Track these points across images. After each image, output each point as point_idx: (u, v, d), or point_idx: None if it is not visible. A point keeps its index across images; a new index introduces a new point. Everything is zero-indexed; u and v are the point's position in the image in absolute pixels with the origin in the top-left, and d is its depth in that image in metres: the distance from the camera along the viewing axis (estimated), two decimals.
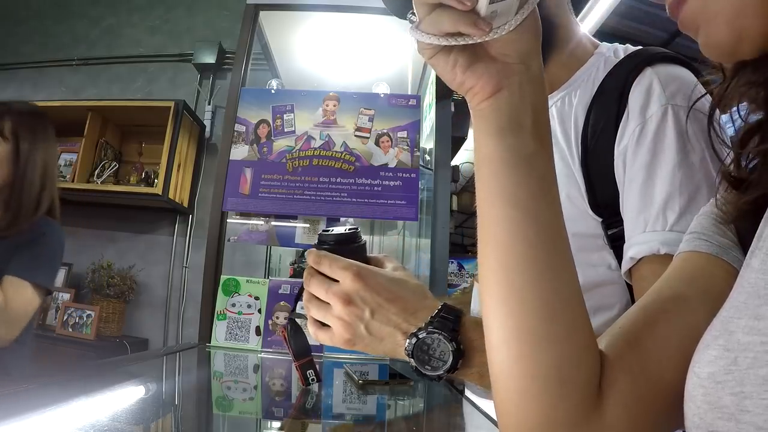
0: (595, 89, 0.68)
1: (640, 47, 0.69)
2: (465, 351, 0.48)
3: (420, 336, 0.47)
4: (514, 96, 0.33)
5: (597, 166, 0.65)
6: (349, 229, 0.56)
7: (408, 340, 0.48)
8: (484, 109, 0.33)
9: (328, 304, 0.52)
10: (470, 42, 0.31)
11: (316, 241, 0.56)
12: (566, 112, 0.70)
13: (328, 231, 0.56)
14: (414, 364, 0.48)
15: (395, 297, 0.50)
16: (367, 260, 0.55)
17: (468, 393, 0.88)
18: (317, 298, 0.53)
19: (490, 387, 0.48)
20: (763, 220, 0.31)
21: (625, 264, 0.59)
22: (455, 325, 0.48)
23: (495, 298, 0.35)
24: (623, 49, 0.72)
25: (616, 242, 0.63)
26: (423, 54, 0.33)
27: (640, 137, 0.60)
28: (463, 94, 0.34)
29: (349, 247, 0.54)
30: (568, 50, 0.74)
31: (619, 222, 0.63)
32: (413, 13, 0.32)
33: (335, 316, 0.51)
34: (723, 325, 0.28)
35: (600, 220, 0.65)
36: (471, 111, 0.35)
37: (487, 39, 0.31)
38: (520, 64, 0.32)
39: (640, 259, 0.57)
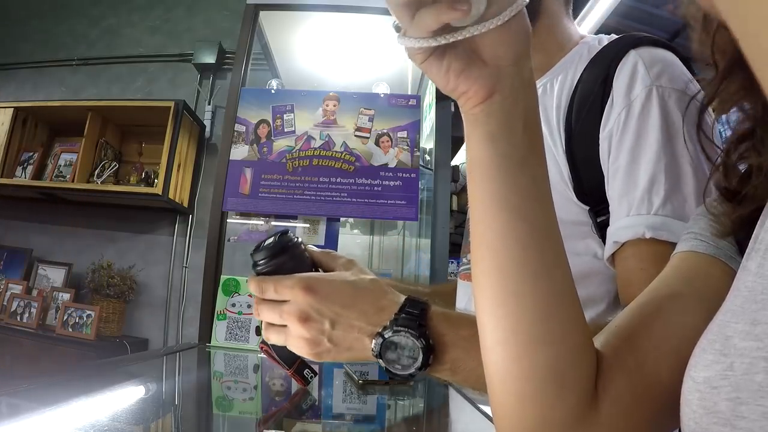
0: (578, 75, 0.67)
1: (623, 35, 0.69)
2: (435, 346, 0.46)
3: (386, 336, 0.45)
4: (507, 100, 0.32)
5: (582, 152, 0.64)
6: (277, 234, 0.51)
7: (374, 341, 0.46)
8: (476, 114, 0.33)
9: (286, 325, 0.49)
10: (459, 38, 0.30)
11: (252, 264, 0.51)
12: (548, 98, 0.70)
13: (257, 248, 0.51)
14: (383, 365, 0.46)
15: (353, 301, 0.47)
16: (310, 261, 0.51)
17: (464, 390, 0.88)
18: (274, 324, 0.50)
19: (463, 383, 0.48)
20: (759, 222, 0.31)
21: (609, 248, 0.58)
22: (422, 320, 0.46)
23: (490, 300, 0.34)
24: (607, 38, 0.71)
25: (605, 229, 0.62)
26: (415, 60, 0.33)
27: (626, 120, 0.59)
28: (456, 98, 0.34)
29: (286, 255, 0.49)
30: (553, 38, 0.74)
31: (607, 209, 0.61)
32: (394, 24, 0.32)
33: (295, 336, 0.48)
34: (720, 329, 0.28)
35: (587, 208, 0.64)
36: (463, 115, 0.34)
37: (475, 33, 0.30)
38: (512, 66, 0.32)
39: (624, 243, 0.56)
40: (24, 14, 2.92)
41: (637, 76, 0.60)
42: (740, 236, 0.36)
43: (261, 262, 0.50)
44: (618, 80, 0.61)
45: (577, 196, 0.64)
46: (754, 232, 0.31)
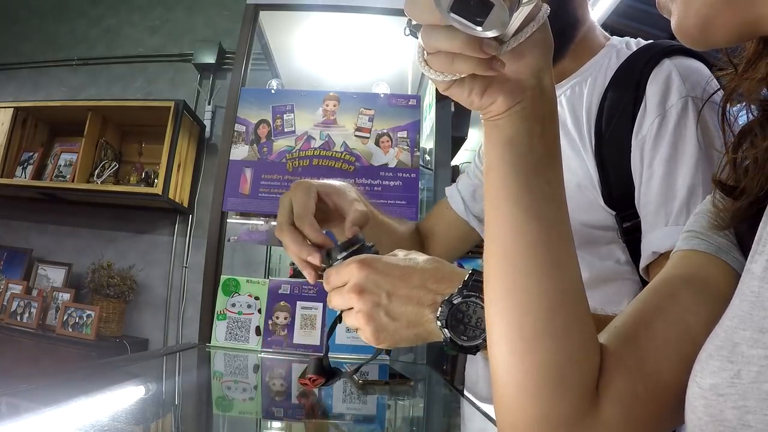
0: (608, 79, 0.67)
1: (653, 41, 0.69)
2: None
3: (454, 302, 0.43)
4: (527, 110, 0.33)
5: (611, 156, 0.64)
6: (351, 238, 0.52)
7: (440, 308, 0.43)
8: (496, 121, 0.34)
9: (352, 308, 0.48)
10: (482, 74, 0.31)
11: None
12: (577, 100, 0.69)
13: (329, 250, 0.52)
14: (449, 334, 0.43)
15: (410, 272, 0.46)
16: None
17: (467, 393, 0.88)
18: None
19: None
20: (761, 223, 0.30)
21: (646, 259, 0.58)
22: None
23: (498, 294, 0.35)
24: (635, 43, 0.71)
25: (630, 235, 0.62)
26: (438, 87, 0.34)
27: (660, 129, 0.59)
28: (477, 111, 0.35)
29: (354, 253, 0.50)
30: (582, 42, 0.74)
31: (634, 214, 0.62)
32: (408, 26, 0.32)
33: (355, 312, 0.47)
34: (727, 336, 0.27)
35: (614, 213, 0.64)
36: (483, 122, 0.35)
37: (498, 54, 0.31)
38: (533, 78, 0.33)
39: (662, 254, 0.56)
40: (24, 14, 2.91)
41: (672, 85, 0.60)
42: (741, 230, 0.36)
43: (331, 261, 0.51)
44: (651, 88, 0.61)
45: (604, 201, 0.64)
46: (757, 233, 0.30)
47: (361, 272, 0.46)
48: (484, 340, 0.42)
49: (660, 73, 0.61)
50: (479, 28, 0.26)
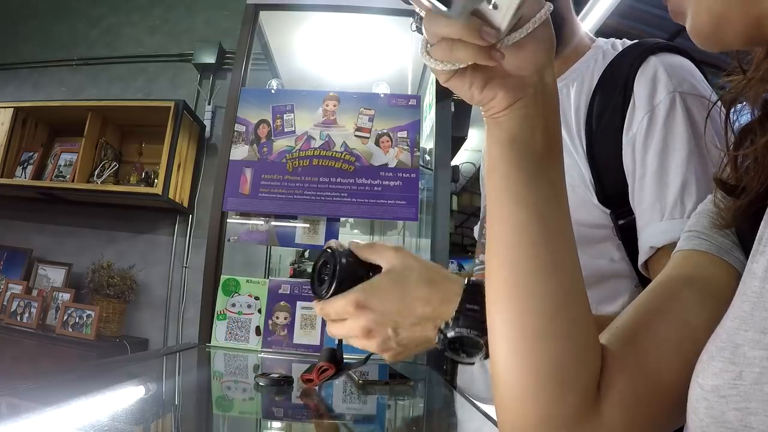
0: (596, 80, 0.68)
1: (639, 40, 0.69)
2: None
3: (449, 335, 0.47)
4: (529, 107, 0.33)
5: (604, 156, 0.64)
6: (321, 258, 0.53)
7: (437, 336, 0.48)
8: (498, 118, 0.34)
9: None
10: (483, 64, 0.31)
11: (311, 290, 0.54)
12: (565, 102, 0.70)
13: (312, 278, 0.54)
14: (449, 355, 0.48)
15: (407, 303, 0.49)
16: (360, 264, 0.53)
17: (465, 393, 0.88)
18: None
19: None
20: (763, 221, 0.30)
21: (644, 254, 0.59)
22: (483, 314, 0.46)
23: (500, 295, 0.35)
24: (621, 43, 0.72)
25: (626, 233, 0.63)
26: (439, 78, 0.34)
27: (650, 125, 0.60)
28: (479, 106, 0.35)
29: (338, 276, 0.51)
30: (569, 43, 0.74)
31: (629, 212, 0.62)
32: (415, 21, 0.32)
33: (365, 347, 0.52)
34: (729, 336, 0.27)
35: (608, 211, 0.64)
36: (485, 119, 0.35)
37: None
38: (535, 75, 0.33)
39: (660, 248, 0.56)
40: (24, 14, 2.91)
41: (659, 82, 0.61)
42: (742, 229, 0.36)
43: (320, 291, 0.53)
44: (639, 85, 0.62)
45: (599, 200, 0.65)
46: (759, 232, 0.30)
47: (362, 315, 0.50)
48: (481, 357, 0.48)
49: (647, 71, 0.62)
50: (444, 9, 0.27)
